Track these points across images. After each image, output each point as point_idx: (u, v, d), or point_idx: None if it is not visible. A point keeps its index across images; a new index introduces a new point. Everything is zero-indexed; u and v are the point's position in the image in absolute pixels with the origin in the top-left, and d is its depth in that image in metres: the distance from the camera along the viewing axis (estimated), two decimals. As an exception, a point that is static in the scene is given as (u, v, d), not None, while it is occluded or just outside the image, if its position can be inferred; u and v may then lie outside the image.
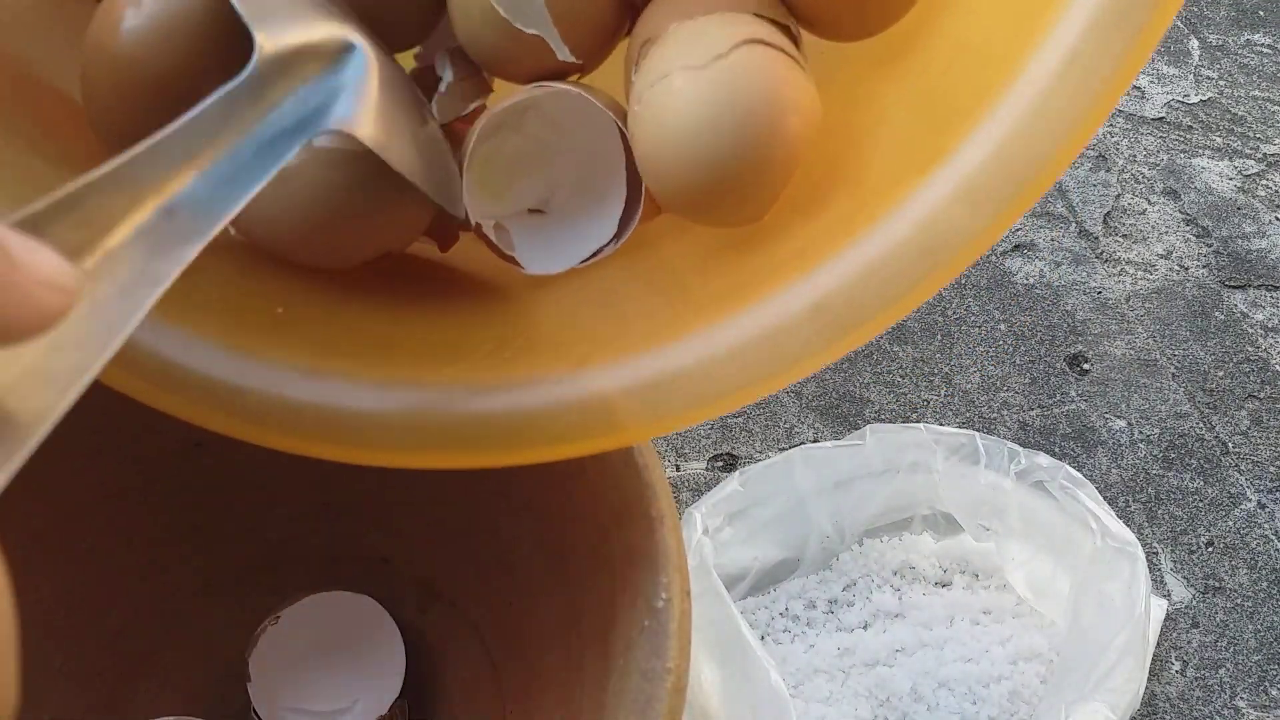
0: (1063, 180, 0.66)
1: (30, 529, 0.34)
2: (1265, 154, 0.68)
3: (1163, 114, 0.70)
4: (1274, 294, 0.60)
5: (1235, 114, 0.70)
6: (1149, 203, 0.65)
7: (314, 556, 0.39)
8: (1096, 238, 0.63)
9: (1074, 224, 0.64)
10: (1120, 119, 0.70)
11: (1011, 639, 0.44)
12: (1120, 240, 0.63)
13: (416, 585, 0.39)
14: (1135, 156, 0.68)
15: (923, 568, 0.47)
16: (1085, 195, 0.65)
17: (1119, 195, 0.65)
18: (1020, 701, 0.43)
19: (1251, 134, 0.69)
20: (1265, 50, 0.75)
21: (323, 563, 0.39)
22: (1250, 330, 0.59)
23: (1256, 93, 0.72)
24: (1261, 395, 0.56)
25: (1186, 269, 0.62)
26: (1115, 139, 0.69)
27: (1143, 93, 0.72)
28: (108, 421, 0.35)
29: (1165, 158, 0.68)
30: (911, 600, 0.46)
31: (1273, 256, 0.62)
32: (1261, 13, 0.78)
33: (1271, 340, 0.58)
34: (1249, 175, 0.67)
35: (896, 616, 0.46)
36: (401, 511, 0.38)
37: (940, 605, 0.46)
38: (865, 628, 0.45)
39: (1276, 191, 0.66)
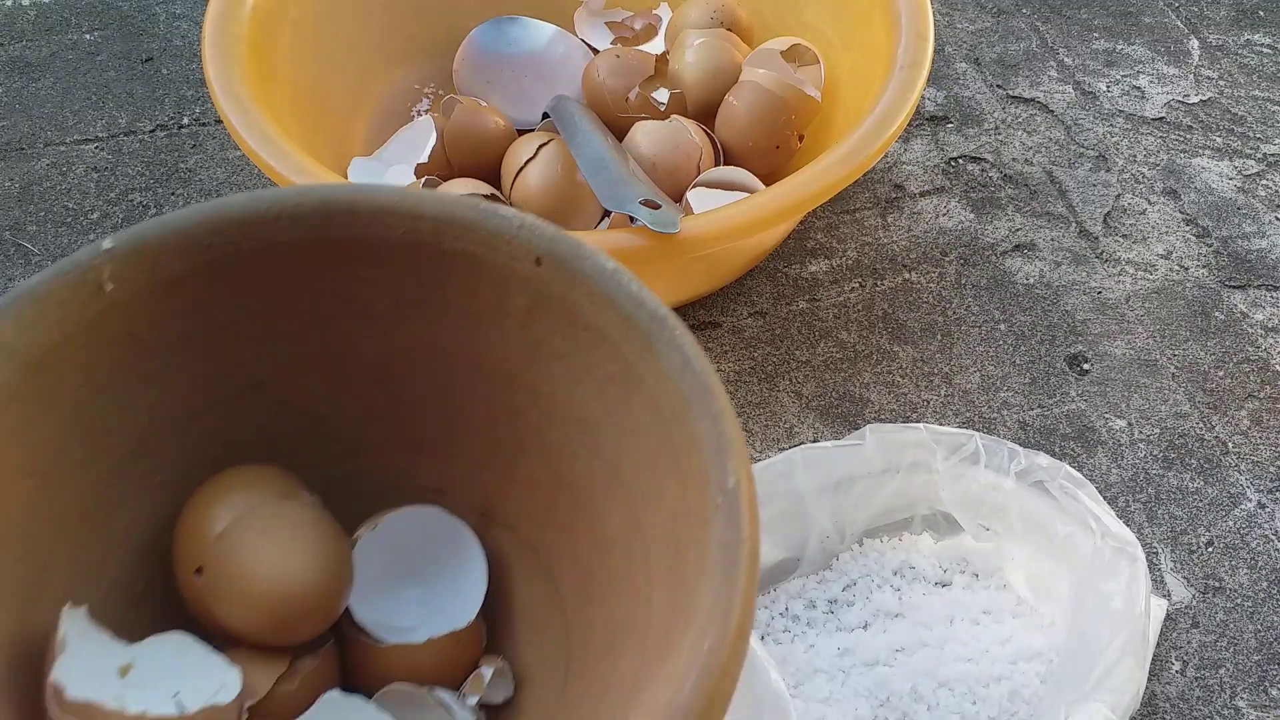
0: (1063, 180, 0.66)
1: (108, 461, 0.35)
2: (1265, 154, 0.68)
3: (1163, 114, 0.70)
4: (1274, 294, 0.60)
5: (1235, 114, 0.70)
6: (1149, 203, 0.65)
7: (369, 490, 0.40)
8: (1096, 238, 0.63)
9: (1074, 224, 0.64)
10: (1120, 119, 0.70)
11: (1011, 639, 0.44)
12: (1120, 240, 0.63)
13: (473, 513, 0.39)
14: (1135, 156, 0.68)
15: (923, 568, 0.47)
16: (1085, 195, 0.65)
17: (1119, 195, 0.65)
18: (1020, 701, 0.43)
19: (1251, 134, 0.69)
20: (1265, 50, 0.75)
21: (378, 495, 0.40)
22: (1250, 330, 0.59)
23: (1256, 93, 0.72)
24: (1261, 395, 0.56)
25: (1186, 269, 0.62)
26: (1115, 139, 0.69)
27: (1143, 93, 0.72)
28: (177, 362, 0.36)
29: (1165, 158, 0.68)
30: (911, 600, 0.46)
31: (1273, 256, 0.62)
32: (1261, 13, 0.78)
33: (1271, 340, 0.58)
34: (1249, 175, 0.67)
35: (896, 616, 0.46)
36: (457, 441, 0.39)
37: (940, 605, 0.46)
38: (865, 628, 0.45)
39: (1276, 191, 0.66)
